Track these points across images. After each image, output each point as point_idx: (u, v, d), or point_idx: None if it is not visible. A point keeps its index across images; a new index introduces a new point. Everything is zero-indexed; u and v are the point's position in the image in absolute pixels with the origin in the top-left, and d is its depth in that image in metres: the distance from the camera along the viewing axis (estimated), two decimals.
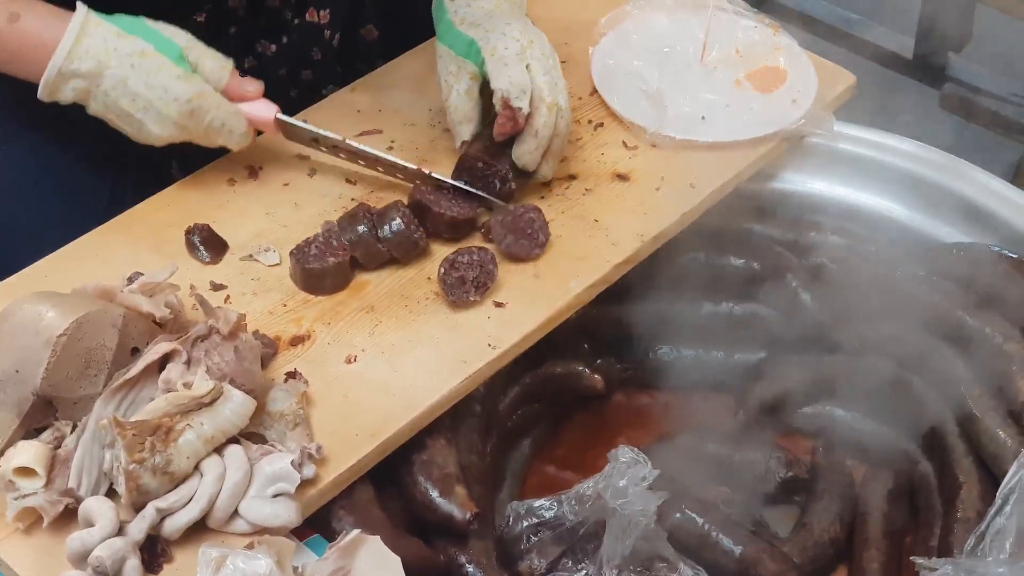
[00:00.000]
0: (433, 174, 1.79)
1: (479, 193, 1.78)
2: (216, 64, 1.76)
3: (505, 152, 1.80)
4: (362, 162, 1.84)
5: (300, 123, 1.83)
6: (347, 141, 1.82)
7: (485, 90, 1.80)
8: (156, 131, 1.73)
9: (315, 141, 1.84)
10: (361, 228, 1.71)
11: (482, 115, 1.83)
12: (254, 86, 1.80)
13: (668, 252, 1.85)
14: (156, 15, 1.75)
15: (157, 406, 1.44)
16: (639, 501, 1.53)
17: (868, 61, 2.95)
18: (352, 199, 1.82)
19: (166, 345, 1.50)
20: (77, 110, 1.89)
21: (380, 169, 1.84)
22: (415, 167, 1.81)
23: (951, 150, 2.00)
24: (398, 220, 1.71)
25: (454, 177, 1.79)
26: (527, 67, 1.76)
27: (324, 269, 1.69)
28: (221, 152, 1.86)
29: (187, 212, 1.79)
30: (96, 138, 1.99)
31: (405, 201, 1.75)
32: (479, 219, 1.78)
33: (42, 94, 1.73)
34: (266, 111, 1.80)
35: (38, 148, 1.96)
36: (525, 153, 1.78)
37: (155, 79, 1.71)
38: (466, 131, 1.82)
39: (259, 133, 1.84)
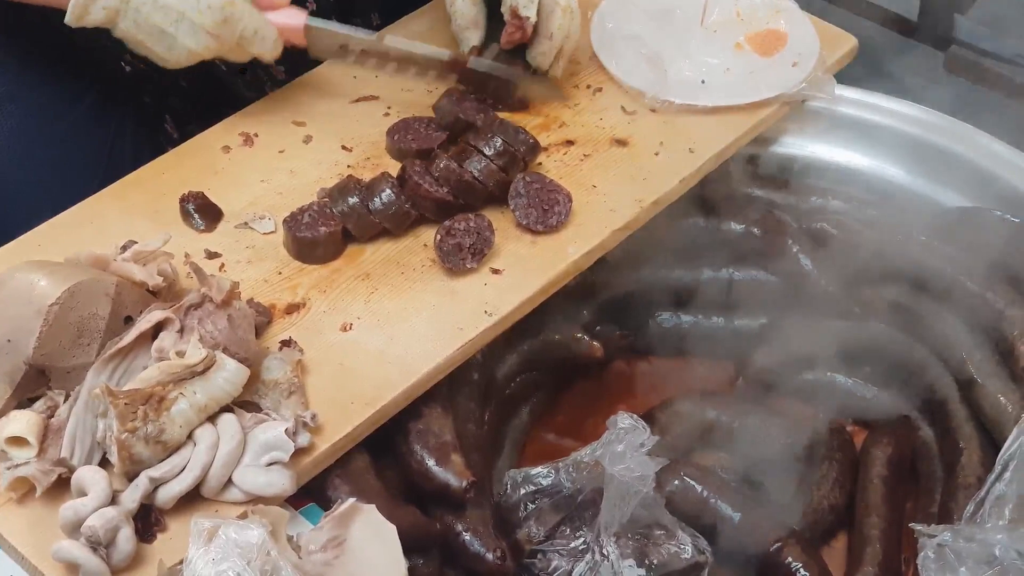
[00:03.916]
0: (473, 60, 1.82)
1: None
2: None
3: (516, 60, 1.86)
4: (393, 64, 1.85)
5: (330, 25, 1.82)
6: (384, 40, 1.83)
7: None
8: (189, 44, 1.71)
9: (343, 48, 1.84)
10: (352, 200, 1.70)
11: (487, 22, 1.87)
12: None
13: (667, 217, 1.83)
14: None
15: (150, 375, 1.43)
16: (637, 467, 1.53)
17: (872, 23, 2.92)
18: (348, 166, 1.81)
19: (159, 314, 1.49)
20: (76, 69, 1.87)
21: (414, 70, 1.85)
22: (452, 56, 1.82)
23: (957, 113, 1.98)
24: (388, 191, 1.70)
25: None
26: None
27: (315, 239, 1.68)
28: (220, 116, 1.85)
29: (182, 180, 1.78)
30: (94, 101, 1.98)
31: (393, 173, 1.74)
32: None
33: (70, 17, 1.69)
34: (295, 18, 1.80)
35: (35, 111, 1.95)
36: (539, 55, 1.86)
37: None
38: (473, 36, 1.87)
39: None
